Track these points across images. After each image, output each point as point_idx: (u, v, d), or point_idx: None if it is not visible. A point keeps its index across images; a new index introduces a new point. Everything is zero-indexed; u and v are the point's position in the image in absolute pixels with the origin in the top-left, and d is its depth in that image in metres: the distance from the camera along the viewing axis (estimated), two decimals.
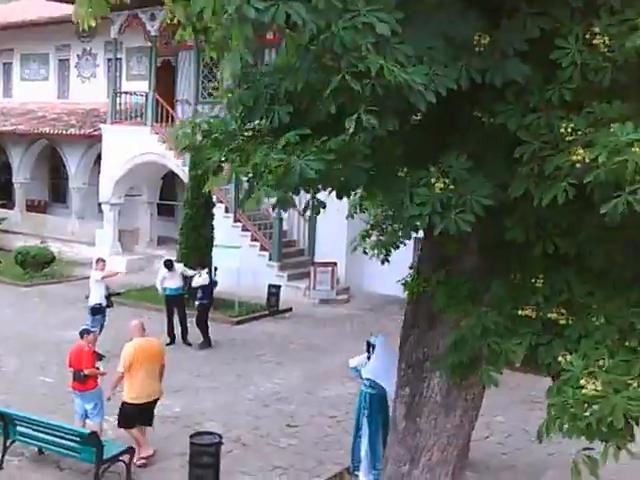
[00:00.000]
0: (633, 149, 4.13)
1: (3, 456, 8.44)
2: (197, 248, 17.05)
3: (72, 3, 6.61)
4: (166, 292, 14.32)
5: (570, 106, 4.82)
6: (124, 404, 8.51)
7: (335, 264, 18.77)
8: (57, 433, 8.04)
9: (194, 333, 14.25)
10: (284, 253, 19.62)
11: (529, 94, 4.93)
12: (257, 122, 5.62)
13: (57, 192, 27.51)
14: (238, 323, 16.49)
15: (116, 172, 21.65)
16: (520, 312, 5.23)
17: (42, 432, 8.16)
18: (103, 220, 22.43)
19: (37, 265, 19.67)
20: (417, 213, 4.96)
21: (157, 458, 8.77)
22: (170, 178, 22.56)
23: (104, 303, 13.16)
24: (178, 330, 14.26)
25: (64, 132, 23.19)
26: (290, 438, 9.78)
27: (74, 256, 22.41)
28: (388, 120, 4.60)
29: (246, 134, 5.64)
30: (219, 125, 5.73)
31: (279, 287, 17.58)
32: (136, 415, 8.50)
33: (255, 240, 19.56)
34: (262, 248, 19.41)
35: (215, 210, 18.06)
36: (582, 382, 4.41)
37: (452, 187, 4.93)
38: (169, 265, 14.43)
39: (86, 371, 8.63)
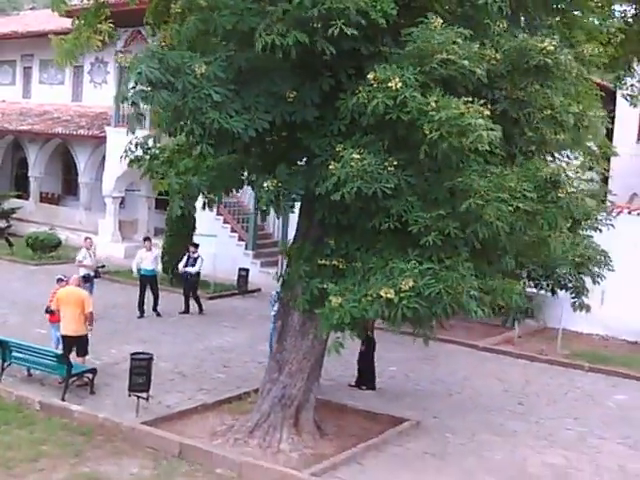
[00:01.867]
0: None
1: (1, 375, 11.56)
2: (181, 235, 20.13)
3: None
4: (141, 272, 17.17)
5: (344, 134, 7.85)
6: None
7: None
8: (40, 355, 11.15)
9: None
10: (260, 244, 22.65)
11: (322, 127, 7.97)
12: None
13: (69, 186, 30.59)
14: (210, 299, 19.46)
15: (117, 169, 24.71)
16: (319, 262, 8.26)
17: (30, 355, 11.26)
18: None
19: (45, 248, 22.89)
20: (264, 202, 8.06)
21: (115, 376, 11.83)
22: None
23: (92, 273, 16.23)
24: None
25: (74, 133, 26.37)
26: (222, 374, 12.81)
27: (80, 242, 25.56)
28: (224, 147, 7.73)
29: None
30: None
31: (247, 270, 20.60)
32: (67, 345, 11.42)
33: (234, 231, 22.65)
34: (240, 239, 22.48)
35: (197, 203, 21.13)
36: (331, 298, 7.43)
37: (280, 185, 7.98)
38: (147, 239, 17.47)
39: (52, 306, 11.83)
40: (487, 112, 7.12)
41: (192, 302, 17.63)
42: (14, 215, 27.46)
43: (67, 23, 26.43)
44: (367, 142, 7.56)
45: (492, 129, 7.03)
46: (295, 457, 9.44)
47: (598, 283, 13.35)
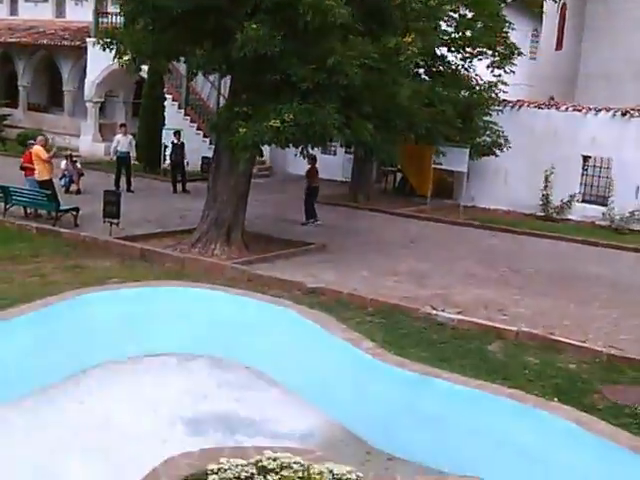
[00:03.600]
0: None
1: (5, 213, 14.96)
2: (151, 130, 23.33)
3: None
4: (117, 154, 20.48)
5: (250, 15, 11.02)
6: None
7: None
8: (34, 196, 14.54)
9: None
10: None
11: (236, 10, 11.12)
12: None
13: (54, 98, 33.45)
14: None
15: (97, 77, 27.70)
16: (236, 110, 11.55)
17: (26, 197, 14.66)
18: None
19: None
20: (194, 67, 11.27)
21: (95, 219, 15.24)
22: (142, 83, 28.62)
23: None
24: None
25: (59, 44, 29.18)
26: (179, 220, 16.29)
27: (64, 144, 28.75)
28: (161, 21, 10.91)
29: None
30: None
31: (210, 158, 23.85)
32: (40, 187, 15.03)
33: (199, 129, 25.82)
34: (204, 135, 25.68)
35: (166, 103, 24.26)
36: (240, 129, 10.75)
37: (205, 53, 11.20)
38: (123, 125, 20.64)
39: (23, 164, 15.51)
40: None
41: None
42: (5, 122, 30.46)
43: None
44: (264, 19, 10.72)
45: (343, 10, 10.21)
46: (224, 258, 12.92)
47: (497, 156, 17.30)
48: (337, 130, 10.76)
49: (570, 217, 20.21)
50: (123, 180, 20.30)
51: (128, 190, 20.21)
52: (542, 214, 20.25)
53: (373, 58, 10.71)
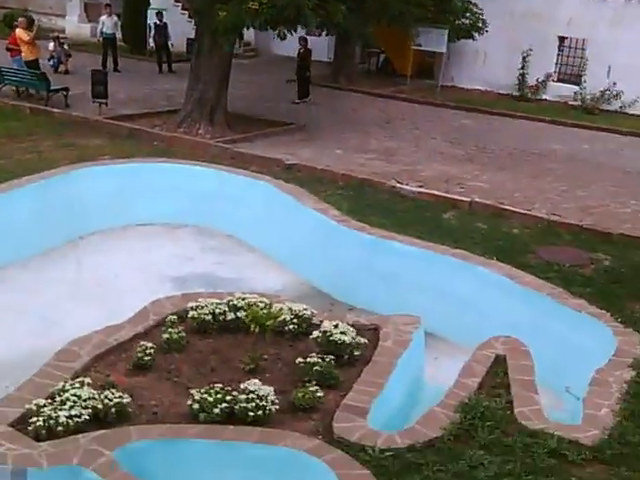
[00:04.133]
0: None
1: None
2: (135, 10, 23.49)
3: None
4: (103, 36, 20.81)
5: None
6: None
7: None
8: (26, 76, 15.22)
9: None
10: None
11: None
12: None
13: None
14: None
15: None
16: None
17: (18, 76, 15.33)
18: None
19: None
20: None
21: (84, 98, 15.94)
22: None
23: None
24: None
25: None
26: (165, 102, 16.96)
27: (50, 25, 28.81)
28: None
29: None
30: None
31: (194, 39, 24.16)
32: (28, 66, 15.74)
33: (185, 9, 25.88)
34: (189, 16, 25.72)
35: None
36: (219, 13, 11.34)
37: None
38: (108, 5, 20.87)
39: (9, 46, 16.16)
40: None
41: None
42: None
43: None
44: None
45: None
46: (208, 137, 13.80)
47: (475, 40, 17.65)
48: (311, 12, 11.36)
49: (545, 97, 20.92)
50: (110, 61, 20.75)
51: (115, 70, 20.68)
52: (518, 94, 20.93)
53: None
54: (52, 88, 15.12)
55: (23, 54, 16.17)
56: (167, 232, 11.31)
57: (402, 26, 15.72)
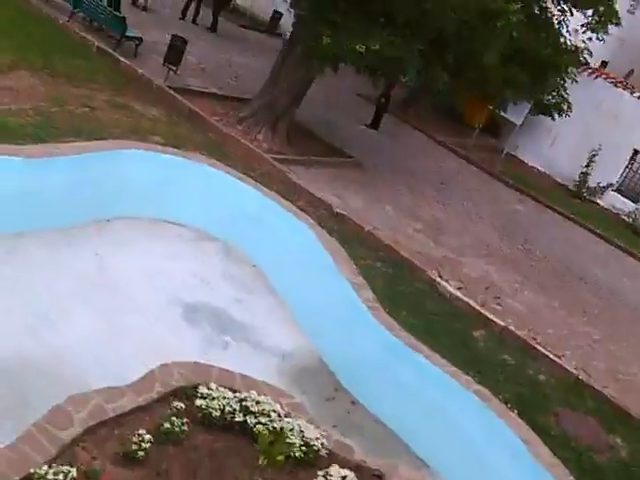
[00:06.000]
0: None
1: (70, 17, 14.85)
2: None
3: None
4: None
5: None
6: None
7: None
8: (104, 12, 14.41)
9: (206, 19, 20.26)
10: None
11: None
12: None
13: None
14: (242, 27, 22.45)
15: None
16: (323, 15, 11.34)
17: (97, 9, 14.52)
18: None
19: None
20: None
21: (153, 51, 15.19)
22: None
23: None
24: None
25: None
26: (233, 81, 16.29)
27: None
28: None
29: None
30: None
31: (281, 15, 23.36)
32: None
33: None
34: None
35: None
36: (324, 38, 10.62)
37: None
38: None
39: None
40: None
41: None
42: None
43: None
44: None
45: None
46: (265, 147, 13.12)
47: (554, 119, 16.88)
48: (415, 72, 10.69)
49: (599, 202, 20.30)
50: (191, 12, 19.94)
51: (193, 22, 19.91)
52: (574, 190, 20.29)
53: (471, 15, 10.43)
54: (127, 34, 14.33)
55: None
56: (194, 240, 10.71)
57: (493, 100, 15.02)
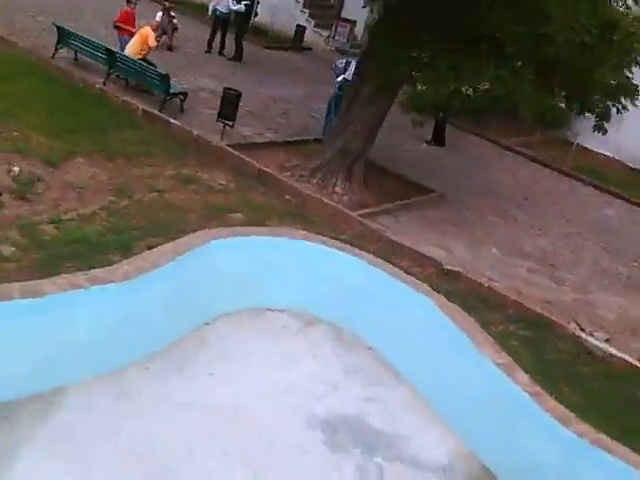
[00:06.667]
0: None
1: (107, 80, 13.50)
2: None
3: None
4: (216, 14, 18.57)
5: None
6: None
7: (354, 23, 22.94)
8: (144, 71, 13.04)
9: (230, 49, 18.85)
10: (316, 4, 23.78)
11: None
12: None
13: None
14: (266, 48, 21.04)
15: None
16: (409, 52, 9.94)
17: (134, 68, 13.15)
18: None
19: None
20: None
21: (197, 102, 13.85)
22: None
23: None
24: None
25: None
26: (283, 120, 14.90)
27: None
28: None
29: None
30: None
31: (304, 28, 21.93)
32: None
33: None
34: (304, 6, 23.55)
35: None
36: (417, 84, 9.25)
37: None
38: None
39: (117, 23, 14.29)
40: None
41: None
42: None
43: None
44: None
45: None
46: (345, 200, 11.80)
47: (621, 113, 15.09)
48: (527, 107, 9.30)
49: None
50: (216, 43, 18.61)
51: (220, 54, 18.60)
52: None
53: (590, 32, 8.99)
54: (172, 92, 12.97)
55: (134, 49, 13.87)
56: (302, 329, 9.39)
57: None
